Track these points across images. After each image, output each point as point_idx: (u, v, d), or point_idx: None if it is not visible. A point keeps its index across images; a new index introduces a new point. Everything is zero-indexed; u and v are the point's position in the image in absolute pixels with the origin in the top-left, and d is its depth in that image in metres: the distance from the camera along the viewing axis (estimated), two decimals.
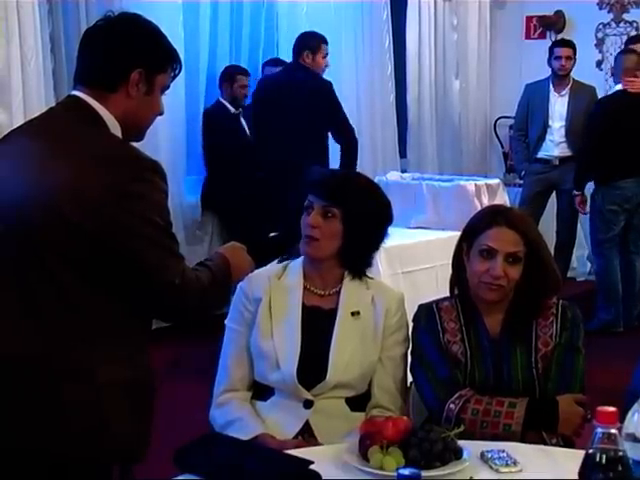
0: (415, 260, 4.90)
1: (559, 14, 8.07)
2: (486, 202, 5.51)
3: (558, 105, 6.75)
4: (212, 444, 2.21)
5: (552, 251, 5.47)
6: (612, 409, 1.62)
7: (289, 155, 5.54)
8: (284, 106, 5.74)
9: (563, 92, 6.75)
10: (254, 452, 2.18)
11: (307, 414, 2.47)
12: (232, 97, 6.43)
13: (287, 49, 6.64)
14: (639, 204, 6.01)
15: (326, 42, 5.92)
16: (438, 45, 7.93)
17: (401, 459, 2.00)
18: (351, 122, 5.98)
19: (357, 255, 2.56)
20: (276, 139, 5.87)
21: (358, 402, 2.52)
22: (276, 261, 2.67)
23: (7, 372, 2.04)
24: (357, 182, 2.61)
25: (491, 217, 2.49)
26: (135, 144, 2.16)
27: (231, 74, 6.45)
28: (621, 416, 1.68)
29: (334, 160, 5.89)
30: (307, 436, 2.44)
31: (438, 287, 4.25)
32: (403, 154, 7.79)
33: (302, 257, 2.59)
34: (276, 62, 6.63)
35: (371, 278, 2.63)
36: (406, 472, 1.70)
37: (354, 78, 7.10)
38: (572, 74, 6.75)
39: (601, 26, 7.97)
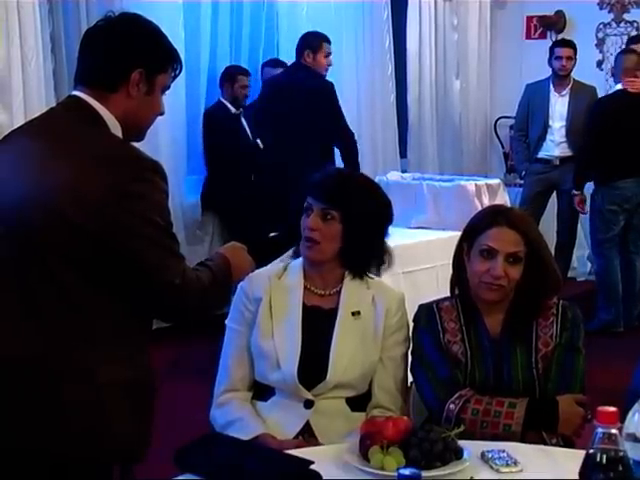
0: (415, 260, 4.90)
1: (559, 14, 8.07)
2: (486, 202, 5.51)
3: (558, 105, 6.75)
4: (212, 444, 2.21)
5: (552, 251, 5.46)
6: (612, 409, 1.62)
7: (291, 156, 5.54)
8: (285, 106, 5.74)
9: (563, 92, 6.75)
10: (254, 452, 2.18)
11: (307, 414, 2.47)
12: (233, 97, 6.44)
13: (287, 49, 6.65)
14: (639, 204, 6.01)
15: (328, 41, 5.91)
16: (438, 45, 7.93)
17: (401, 459, 2.00)
18: (351, 122, 5.99)
19: (357, 256, 2.56)
20: (277, 139, 5.87)
21: (358, 402, 2.52)
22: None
23: (8, 372, 2.04)
24: (356, 183, 2.61)
25: (491, 217, 2.49)
26: (135, 144, 2.16)
27: (232, 74, 6.45)
28: (621, 416, 1.68)
29: (339, 159, 5.89)
30: (307, 436, 2.44)
31: (438, 287, 4.25)
32: (403, 154, 7.79)
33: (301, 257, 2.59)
34: (275, 63, 6.64)
35: (371, 278, 2.63)
36: (406, 472, 1.70)
37: (354, 78, 7.10)
38: (572, 74, 6.74)
39: (601, 26, 7.97)
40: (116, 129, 2.11)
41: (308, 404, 2.47)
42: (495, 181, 6.06)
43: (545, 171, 6.78)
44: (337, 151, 5.90)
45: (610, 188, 5.98)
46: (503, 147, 8.28)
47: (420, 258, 4.93)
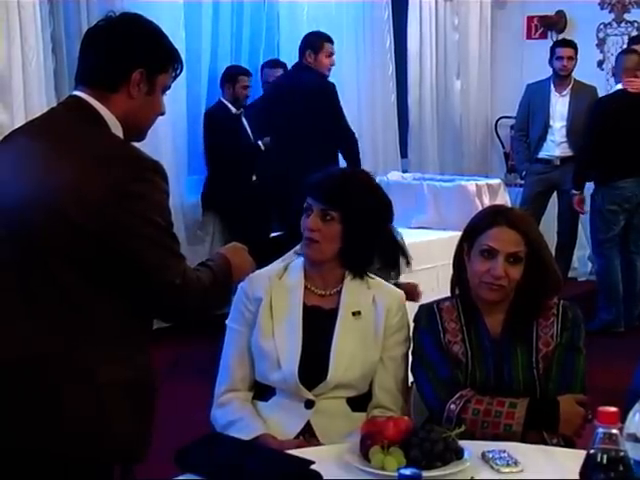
0: (416, 260, 4.84)
1: (560, 14, 8.07)
2: (487, 202, 5.51)
3: (559, 105, 6.76)
4: (213, 444, 2.21)
5: (553, 251, 5.46)
6: (613, 409, 1.62)
7: (293, 156, 5.54)
8: (286, 107, 5.75)
9: (564, 92, 6.75)
10: (255, 452, 2.18)
11: (308, 414, 2.47)
12: (234, 97, 6.44)
13: (288, 50, 6.66)
14: (639, 204, 6.01)
15: (331, 41, 5.91)
16: (439, 45, 7.93)
17: (402, 459, 2.00)
18: (352, 122, 5.99)
19: (358, 255, 2.56)
20: (279, 140, 5.88)
21: (359, 402, 2.52)
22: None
23: (8, 372, 2.03)
24: (355, 183, 2.60)
25: (492, 217, 2.49)
26: (136, 144, 2.16)
27: (233, 75, 6.45)
28: (622, 416, 1.67)
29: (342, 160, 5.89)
30: (308, 436, 2.44)
31: (439, 287, 4.24)
32: (404, 154, 7.80)
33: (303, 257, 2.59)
34: (275, 64, 6.65)
35: (372, 278, 2.63)
36: (407, 472, 1.70)
37: (355, 78, 7.10)
38: (573, 74, 6.75)
39: (602, 26, 7.97)
40: (117, 129, 2.11)
41: (309, 404, 2.47)
42: (496, 181, 6.07)
43: (546, 171, 6.78)
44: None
45: (610, 188, 5.98)
46: (504, 147, 8.29)
47: (420, 258, 4.91)
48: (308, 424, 2.46)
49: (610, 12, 7.94)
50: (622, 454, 1.62)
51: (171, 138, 5.91)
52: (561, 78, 6.71)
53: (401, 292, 2.68)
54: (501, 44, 8.36)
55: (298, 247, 2.61)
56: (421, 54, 7.78)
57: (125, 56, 2.11)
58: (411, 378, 2.58)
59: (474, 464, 2.07)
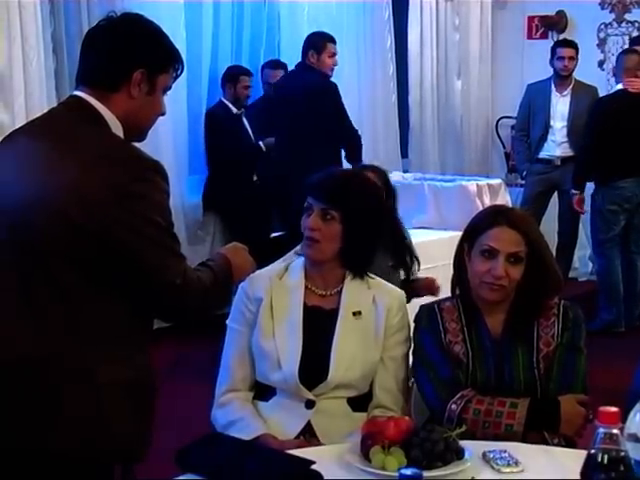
0: None
1: (561, 14, 8.07)
2: (488, 202, 5.52)
3: (560, 105, 6.75)
4: (214, 444, 2.21)
5: (554, 251, 5.46)
6: (614, 409, 1.62)
7: (295, 157, 5.54)
8: (289, 107, 5.76)
9: (565, 92, 6.75)
10: (256, 452, 2.18)
11: (309, 414, 2.47)
12: (235, 98, 6.44)
13: (288, 50, 6.66)
14: (639, 204, 6.01)
15: (333, 41, 5.92)
16: (440, 45, 7.93)
17: (403, 459, 2.00)
18: (353, 122, 5.98)
19: (358, 255, 2.56)
20: (282, 140, 5.89)
21: (360, 402, 2.52)
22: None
23: (8, 372, 2.03)
24: (356, 183, 2.60)
25: (492, 217, 2.49)
26: (137, 144, 2.16)
27: (234, 75, 6.45)
28: (623, 416, 1.67)
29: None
30: (309, 436, 2.44)
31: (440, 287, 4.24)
32: (405, 154, 7.80)
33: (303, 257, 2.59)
34: (276, 64, 6.66)
35: (373, 278, 2.63)
36: (408, 472, 1.70)
37: (356, 78, 7.10)
38: (574, 74, 6.75)
39: (603, 26, 7.96)
40: (117, 129, 2.11)
41: (309, 404, 2.47)
42: (496, 181, 6.07)
43: (546, 171, 6.78)
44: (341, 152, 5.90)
45: (610, 188, 5.97)
46: (504, 147, 8.28)
47: (421, 258, 4.91)
48: (309, 424, 2.46)
49: (611, 12, 7.94)
50: (623, 454, 1.62)
51: (172, 138, 5.91)
52: (562, 78, 6.71)
53: (401, 292, 2.68)
54: (502, 44, 8.36)
55: (298, 247, 2.61)
56: (422, 54, 7.78)
57: (126, 56, 2.11)
58: (412, 378, 2.58)
59: (475, 464, 2.07)
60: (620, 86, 6.04)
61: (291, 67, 6.31)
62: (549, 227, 6.50)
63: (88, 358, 2.02)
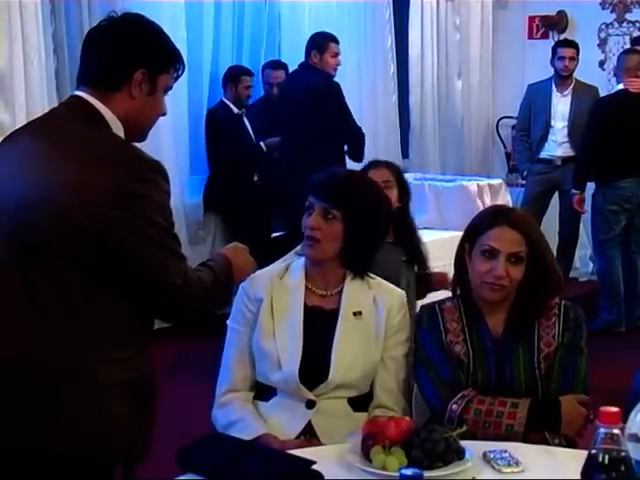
0: None
1: (562, 14, 8.07)
2: (488, 202, 5.53)
3: (561, 105, 6.76)
4: (214, 444, 2.21)
5: (554, 251, 5.46)
6: (615, 409, 1.62)
7: (300, 156, 5.54)
8: (292, 107, 5.76)
9: (566, 92, 6.75)
10: (256, 452, 2.18)
11: (309, 414, 2.47)
12: (236, 97, 6.44)
13: (289, 50, 6.66)
14: None
15: (336, 41, 5.92)
16: (440, 45, 7.93)
17: (404, 459, 2.00)
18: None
19: (359, 255, 2.56)
20: (286, 140, 5.89)
21: (360, 402, 2.52)
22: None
23: (9, 372, 2.03)
24: (358, 183, 2.61)
25: (493, 217, 2.49)
26: (138, 144, 2.16)
27: (236, 75, 6.45)
28: (624, 416, 1.67)
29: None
30: (309, 436, 2.44)
31: None
32: (405, 154, 7.79)
33: (304, 257, 2.59)
34: (277, 65, 6.65)
35: (373, 278, 2.63)
36: (408, 472, 1.70)
37: (356, 78, 7.10)
38: (575, 74, 6.75)
39: (604, 26, 7.96)
40: (118, 129, 2.11)
41: (310, 404, 2.47)
42: (497, 181, 6.08)
43: (547, 171, 6.78)
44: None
45: (611, 188, 5.98)
46: (505, 147, 8.28)
47: None
48: (309, 424, 2.46)
49: (611, 12, 7.94)
50: (623, 454, 1.62)
51: (172, 138, 5.91)
52: (563, 78, 6.71)
53: (402, 292, 2.68)
54: (502, 44, 8.36)
55: (299, 248, 2.61)
56: (422, 54, 7.78)
57: (127, 56, 2.11)
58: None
59: (475, 464, 2.07)
60: (621, 86, 6.04)
61: (292, 67, 6.32)
62: (550, 227, 6.50)
63: (88, 358, 2.02)
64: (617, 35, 7.92)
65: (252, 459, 2.08)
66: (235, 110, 6.45)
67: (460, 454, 2.07)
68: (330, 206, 2.49)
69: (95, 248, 1.99)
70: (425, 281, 3.57)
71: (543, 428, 2.37)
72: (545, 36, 8.19)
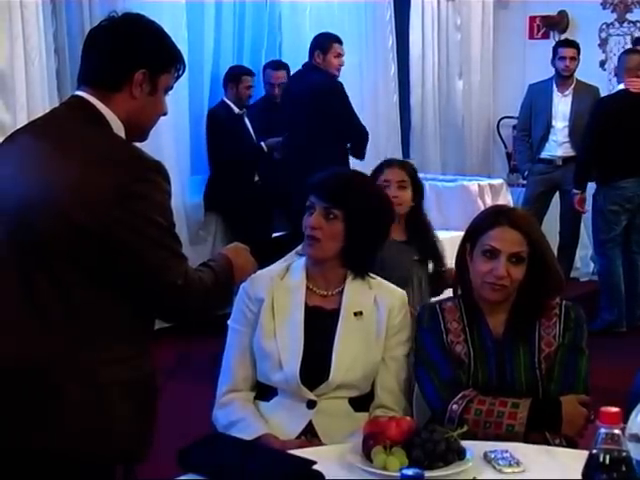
0: None
1: (562, 14, 8.07)
2: (489, 202, 5.53)
3: (561, 105, 6.76)
4: (215, 444, 2.21)
5: (555, 251, 5.46)
6: (615, 409, 1.62)
7: (302, 156, 5.55)
8: (295, 107, 5.76)
9: (566, 92, 6.75)
10: (257, 452, 2.18)
11: (310, 414, 2.47)
12: (237, 97, 6.43)
13: (290, 50, 6.66)
14: None
15: (339, 42, 5.94)
16: (441, 45, 7.93)
17: (404, 459, 2.00)
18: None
19: (359, 255, 2.56)
20: (289, 140, 5.89)
21: (361, 402, 2.52)
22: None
23: (10, 372, 2.03)
24: (359, 182, 2.61)
25: (494, 217, 2.49)
26: (138, 144, 2.16)
27: (237, 75, 6.45)
28: (625, 416, 1.67)
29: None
30: (310, 436, 2.44)
31: None
32: (406, 154, 7.79)
33: (305, 257, 2.59)
34: (278, 65, 6.65)
35: (374, 278, 2.63)
36: (409, 472, 1.70)
37: (357, 78, 7.09)
38: (575, 74, 6.75)
39: (604, 26, 7.96)
40: (119, 129, 2.11)
41: (310, 404, 2.47)
42: (498, 181, 6.08)
43: (548, 171, 6.78)
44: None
45: (611, 188, 5.98)
46: (506, 147, 8.28)
47: None
48: (310, 424, 2.46)
49: (612, 12, 7.94)
50: (624, 454, 1.62)
51: (173, 138, 5.91)
52: (563, 78, 6.71)
53: (402, 292, 2.67)
54: (503, 44, 8.36)
55: (299, 248, 2.61)
56: (423, 54, 7.78)
57: (128, 56, 2.11)
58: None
59: (476, 464, 2.07)
60: (622, 86, 6.04)
61: (292, 68, 6.32)
62: (550, 227, 6.50)
63: (89, 358, 2.02)
64: (618, 35, 7.92)
65: (253, 459, 2.08)
66: (236, 110, 6.45)
67: (461, 454, 2.07)
68: (331, 206, 2.49)
69: (96, 248, 1.99)
70: (440, 278, 3.57)
71: (544, 428, 2.37)
72: (546, 36, 8.19)
